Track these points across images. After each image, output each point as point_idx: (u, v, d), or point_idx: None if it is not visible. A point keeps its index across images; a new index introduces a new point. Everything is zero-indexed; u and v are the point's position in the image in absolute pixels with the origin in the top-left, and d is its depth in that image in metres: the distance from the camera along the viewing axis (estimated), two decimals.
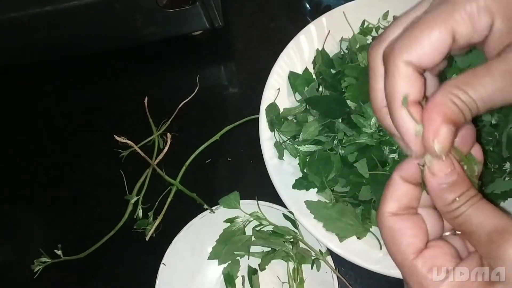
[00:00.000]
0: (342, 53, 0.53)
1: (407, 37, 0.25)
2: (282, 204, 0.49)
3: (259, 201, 0.51)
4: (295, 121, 0.50)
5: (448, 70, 0.46)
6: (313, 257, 0.49)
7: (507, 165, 0.46)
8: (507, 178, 0.45)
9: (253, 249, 0.50)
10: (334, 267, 0.48)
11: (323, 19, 0.54)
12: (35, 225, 0.59)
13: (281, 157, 0.49)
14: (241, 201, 0.51)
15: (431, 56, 0.25)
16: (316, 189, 0.48)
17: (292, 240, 0.49)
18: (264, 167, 0.49)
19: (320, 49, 0.53)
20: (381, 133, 0.45)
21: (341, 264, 0.51)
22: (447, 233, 0.28)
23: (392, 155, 0.45)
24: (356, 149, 0.45)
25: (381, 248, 0.46)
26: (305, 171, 0.48)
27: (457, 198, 0.24)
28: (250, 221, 0.51)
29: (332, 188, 0.47)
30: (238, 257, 0.51)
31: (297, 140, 0.49)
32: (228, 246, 0.50)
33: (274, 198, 0.50)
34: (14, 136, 0.64)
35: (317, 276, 0.49)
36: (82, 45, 0.62)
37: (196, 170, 0.57)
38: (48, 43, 0.60)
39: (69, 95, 0.65)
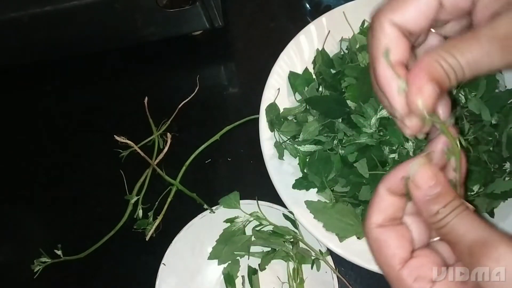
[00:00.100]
0: (342, 53, 0.53)
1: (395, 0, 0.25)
2: (282, 204, 0.49)
3: (259, 201, 0.51)
4: (295, 121, 0.50)
5: None
6: (313, 257, 0.49)
7: (507, 165, 0.46)
8: (507, 178, 0.45)
9: (253, 249, 0.50)
10: (334, 267, 0.48)
11: (323, 19, 0.54)
12: (35, 225, 0.59)
13: (281, 157, 0.49)
14: (241, 201, 0.51)
15: (417, 20, 0.25)
16: (316, 189, 0.48)
17: (292, 240, 0.49)
18: (264, 167, 0.49)
19: (320, 49, 0.53)
20: (381, 133, 0.45)
21: (341, 264, 0.51)
22: (435, 239, 0.28)
23: (392, 155, 0.45)
24: (356, 149, 0.45)
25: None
26: (305, 171, 0.48)
27: (440, 210, 0.24)
28: (250, 221, 0.51)
29: (332, 188, 0.47)
30: (238, 257, 0.51)
31: (297, 140, 0.49)
32: (228, 246, 0.50)
33: (274, 198, 0.50)
34: (14, 136, 0.64)
35: (317, 276, 0.49)
36: (82, 45, 0.62)
37: (196, 170, 0.57)
38: (48, 43, 0.60)
39: (69, 95, 0.65)
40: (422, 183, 0.25)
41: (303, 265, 0.50)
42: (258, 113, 0.51)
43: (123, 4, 0.53)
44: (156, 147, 0.58)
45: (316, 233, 0.47)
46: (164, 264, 0.50)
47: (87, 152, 0.61)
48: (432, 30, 0.29)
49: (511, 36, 0.23)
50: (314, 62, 0.53)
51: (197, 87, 0.60)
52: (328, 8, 0.62)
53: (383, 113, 0.44)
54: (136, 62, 0.65)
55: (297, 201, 0.47)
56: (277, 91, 0.52)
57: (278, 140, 0.50)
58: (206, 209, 0.52)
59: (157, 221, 0.54)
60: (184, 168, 0.56)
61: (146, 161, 0.55)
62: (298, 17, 0.64)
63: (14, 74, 0.66)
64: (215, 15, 0.58)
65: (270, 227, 0.51)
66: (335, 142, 0.47)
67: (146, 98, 0.59)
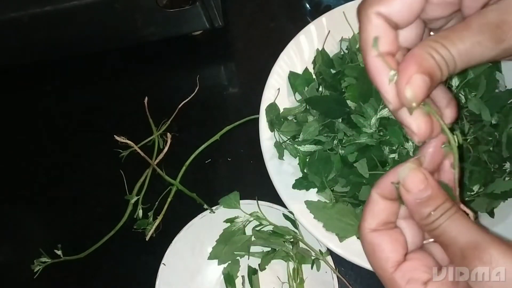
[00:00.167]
0: (342, 53, 0.53)
1: None
2: (282, 204, 0.49)
3: (259, 201, 0.51)
4: (295, 121, 0.50)
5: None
6: (313, 257, 0.49)
7: (507, 165, 0.46)
8: (507, 178, 0.45)
9: (253, 249, 0.50)
10: (334, 267, 0.48)
11: (323, 19, 0.54)
12: (35, 225, 0.59)
13: (281, 157, 0.49)
14: (241, 201, 0.51)
15: (403, 12, 0.25)
16: (316, 189, 0.48)
17: (292, 240, 0.49)
18: (264, 167, 0.49)
19: (320, 49, 0.53)
20: (381, 133, 0.45)
21: (341, 264, 0.51)
22: (430, 240, 0.28)
23: (392, 155, 0.45)
24: (356, 149, 0.45)
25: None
26: (305, 171, 0.48)
27: (432, 212, 0.25)
28: (250, 221, 0.51)
29: (332, 188, 0.47)
30: (238, 257, 0.51)
31: (297, 140, 0.49)
32: (228, 246, 0.50)
33: (274, 198, 0.50)
34: (14, 136, 0.64)
35: (317, 276, 0.49)
36: (82, 45, 0.62)
37: (196, 170, 0.57)
38: (48, 43, 0.60)
39: (69, 95, 0.65)
40: (412, 187, 0.25)
41: (303, 265, 0.50)
42: (258, 113, 0.51)
43: (123, 4, 0.53)
44: (156, 147, 0.58)
45: (316, 233, 0.47)
46: (164, 264, 0.50)
47: (87, 152, 0.61)
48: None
49: (502, 24, 0.23)
50: (314, 62, 0.53)
51: (197, 87, 0.60)
52: (328, 8, 0.62)
53: (383, 113, 0.44)
54: (136, 62, 0.65)
55: (297, 201, 0.47)
56: (277, 91, 0.52)
57: (278, 140, 0.50)
58: (206, 209, 0.52)
59: (157, 221, 0.54)
60: (184, 168, 0.56)
61: (146, 161, 0.55)
62: (298, 17, 0.64)
63: (14, 74, 0.66)
64: (215, 15, 0.58)
65: (270, 227, 0.51)
66: (335, 142, 0.47)
67: (146, 98, 0.59)
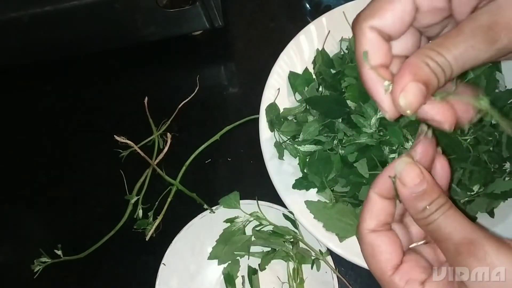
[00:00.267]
0: (342, 53, 0.53)
1: (373, 5, 0.26)
2: (282, 204, 0.49)
3: (259, 201, 0.51)
4: (295, 121, 0.50)
5: None
6: (313, 257, 0.49)
7: (507, 165, 0.46)
8: (507, 178, 0.45)
9: (253, 249, 0.50)
10: (334, 267, 0.48)
11: (323, 19, 0.54)
12: (35, 225, 0.59)
13: (281, 157, 0.49)
14: (241, 201, 0.51)
15: (395, 25, 0.26)
16: (316, 189, 0.48)
17: (292, 240, 0.49)
18: (264, 167, 0.49)
19: (320, 49, 0.53)
20: (381, 133, 0.45)
21: (341, 264, 0.51)
22: (420, 243, 0.29)
23: (392, 155, 0.45)
24: (356, 149, 0.45)
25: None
26: (305, 171, 0.48)
27: (427, 207, 0.25)
28: (250, 221, 0.51)
29: (332, 188, 0.47)
30: (238, 257, 0.51)
31: (297, 140, 0.49)
32: (228, 246, 0.50)
33: (274, 198, 0.50)
34: (14, 136, 0.64)
35: (317, 276, 0.49)
36: (82, 45, 0.62)
37: (196, 170, 0.57)
38: (48, 43, 0.60)
39: (69, 95, 0.65)
40: (409, 181, 0.26)
41: (303, 265, 0.50)
42: (258, 113, 0.51)
43: (123, 4, 0.53)
44: (156, 147, 0.58)
45: (316, 233, 0.47)
46: (164, 264, 0.50)
47: (87, 152, 0.61)
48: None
49: (494, 26, 0.23)
50: (314, 62, 0.53)
51: (197, 87, 0.60)
52: (328, 8, 0.62)
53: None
54: (136, 62, 0.65)
55: (297, 201, 0.47)
56: (277, 91, 0.52)
57: (278, 140, 0.50)
58: (206, 209, 0.52)
59: (157, 221, 0.54)
60: (184, 168, 0.56)
61: (146, 161, 0.55)
62: (298, 17, 0.64)
63: (14, 74, 0.66)
64: (215, 15, 0.58)
65: (270, 227, 0.51)
66: (335, 142, 0.47)
67: (146, 98, 0.59)
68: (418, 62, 0.24)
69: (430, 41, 0.29)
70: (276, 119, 0.50)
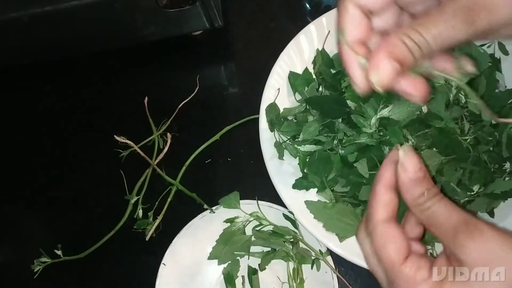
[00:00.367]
0: None
1: None
2: (282, 204, 0.49)
3: (259, 201, 0.51)
4: (295, 121, 0.50)
5: None
6: (313, 257, 0.49)
7: (507, 165, 0.46)
8: (507, 178, 0.45)
9: (253, 249, 0.50)
10: (334, 267, 0.48)
11: (323, 19, 0.54)
12: (35, 225, 0.59)
13: (281, 157, 0.49)
14: (241, 201, 0.51)
15: (378, 1, 0.28)
16: (316, 189, 0.48)
17: (292, 240, 0.49)
18: (264, 167, 0.49)
19: (320, 49, 0.53)
20: (381, 133, 0.45)
21: (341, 264, 0.51)
22: None
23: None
24: (356, 149, 0.45)
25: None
26: (305, 171, 0.48)
27: (425, 193, 0.27)
28: (250, 221, 0.51)
29: (332, 188, 0.47)
30: (238, 257, 0.51)
31: (297, 140, 0.49)
32: (228, 246, 0.50)
33: (274, 198, 0.50)
34: (14, 136, 0.64)
35: (317, 276, 0.49)
36: (82, 45, 0.62)
37: (196, 170, 0.57)
38: (48, 43, 0.60)
39: (69, 95, 0.65)
40: (409, 167, 0.28)
41: (303, 265, 0.50)
42: (258, 113, 0.51)
43: (123, 4, 0.53)
44: (156, 147, 0.58)
45: (316, 233, 0.47)
46: (164, 264, 0.50)
47: (87, 152, 0.61)
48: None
49: (474, 7, 0.24)
50: (314, 62, 0.53)
51: (197, 87, 0.60)
52: (328, 8, 0.62)
53: (383, 113, 0.44)
54: (136, 62, 0.65)
55: (297, 201, 0.47)
56: (277, 91, 0.52)
57: (278, 140, 0.50)
58: (206, 209, 0.52)
59: (157, 221, 0.54)
60: (184, 168, 0.56)
61: (146, 161, 0.55)
62: (298, 17, 0.64)
63: (14, 74, 0.66)
64: (215, 15, 0.58)
65: (270, 227, 0.51)
66: (335, 142, 0.47)
67: (146, 98, 0.59)
68: (395, 39, 0.25)
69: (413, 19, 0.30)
70: (276, 119, 0.50)
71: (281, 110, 0.51)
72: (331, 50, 0.53)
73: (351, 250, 0.46)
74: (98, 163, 0.60)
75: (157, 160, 0.57)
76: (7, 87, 0.66)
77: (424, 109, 0.45)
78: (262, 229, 0.50)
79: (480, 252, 0.25)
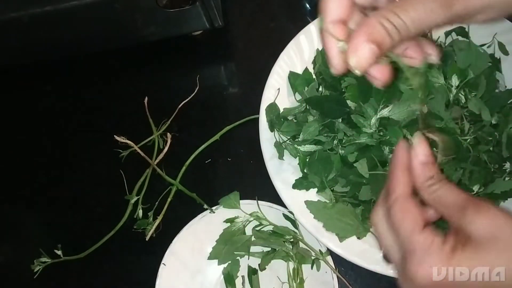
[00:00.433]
0: None
1: None
2: (282, 204, 0.49)
3: (259, 201, 0.51)
4: (295, 121, 0.50)
5: (448, 71, 0.46)
6: (313, 257, 0.49)
7: (507, 165, 0.46)
8: (507, 178, 0.45)
9: (253, 249, 0.50)
10: (334, 267, 0.48)
11: None
12: (35, 225, 0.59)
13: (281, 157, 0.49)
14: (241, 201, 0.51)
15: None
16: (316, 189, 0.48)
17: (292, 240, 0.49)
18: (264, 167, 0.49)
19: (320, 49, 0.53)
20: (381, 133, 0.45)
21: (341, 264, 0.51)
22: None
23: (392, 155, 0.44)
24: (356, 149, 0.45)
25: (381, 248, 0.46)
26: (305, 171, 0.48)
27: (434, 176, 0.29)
28: (250, 221, 0.51)
29: (332, 188, 0.47)
30: (238, 257, 0.51)
31: (297, 140, 0.49)
32: (228, 246, 0.50)
33: (274, 198, 0.50)
34: (14, 136, 0.64)
35: (317, 276, 0.49)
36: (82, 45, 0.62)
37: (196, 170, 0.57)
38: (48, 43, 0.60)
39: (69, 95, 0.65)
40: (420, 152, 0.30)
41: (303, 265, 0.50)
42: (258, 113, 0.51)
43: (123, 4, 0.53)
44: (156, 147, 0.58)
45: (316, 233, 0.47)
46: (164, 264, 0.50)
47: (87, 152, 0.61)
48: None
49: None
50: (314, 62, 0.53)
51: (197, 87, 0.60)
52: None
53: (383, 113, 0.44)
54: (136, 62, 0.65)
55: (297, 201, 0.47)
56: (277, 91, 0.52)
57: (278, 140, 0.50)
58: (206, 209, 0.52)
59: (157, 221, 0.54)
60: (184, 168, 0.56)
61: (146, 161, 0.55)
62: (298, 17, 0.64)
63: (14, 74, 0.66)
64: (215, 15, 0.58)
65: (270, 227, 0.51)
66: (335, 142, 0.47)
67: (146, 98, 0.59)
68: (375, 22, 0.25)
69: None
70: (276, 119, 0.50)
71: (281, 110, 0.51)
72: None
73: (351, 250, 0.46)
74: (98, 163, 0.60)
75: (157, 160, 0.57)
76: (7, 87, 0.66)
77: (424, 109, 0.45)
78: (262, 229, 0.51)
79: (488, 226, 0.26)
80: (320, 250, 0.49)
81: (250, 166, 0.57)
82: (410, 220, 0.29)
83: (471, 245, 0.26)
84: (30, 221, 0.59)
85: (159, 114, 0.59)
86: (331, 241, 0.46)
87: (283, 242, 0.49)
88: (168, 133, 0.58)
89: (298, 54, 0.53)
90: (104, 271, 0.55)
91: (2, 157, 0.63)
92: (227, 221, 0.51)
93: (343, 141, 0.46)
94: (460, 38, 0.51)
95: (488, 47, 0.50)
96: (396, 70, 0.29)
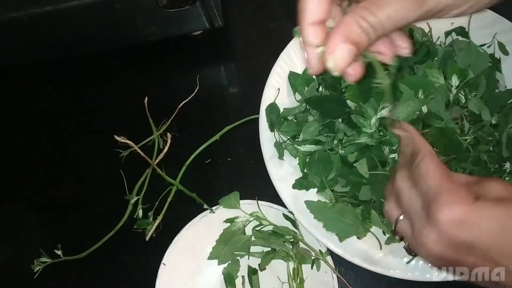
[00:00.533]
0: None
1: None
2: (282, 204, 0.49)
3: (259, 201, 0.51)
4: (295, 121, 0.50)
5: (448, 71, 0.46)
6: (313, 257, 0.49)
7: (507, 165, 0.46)
8: (507, 178, 0.45)
9: (253, 249, 0.50)
10: (334, 267, 0.48)
11: None
12: (35, 225, 0.59)
13: (281, 157, 0.49)
14: (241, 201, 0.51)
15: None
16: (316, 189, 0.48)
17: (292, 240, 0.49)
18: (264, 167, 0.49)
19: None
20: (381, 133, 0.45)
21: (341, 264, 0.51)
22: None
23: (392, 155, 0.45)
24: (356, 149, 0.45)
25: (381, 248, 0.46)
26: (305, 171, 0.48)
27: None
28: (250, 221, 0.51)
29: (332, 188, 0.47)
30: (238, 257, 0.51)
31: (297, 140, 0.49)
32: (228, 246, 0.50)
33: (274, 198, 0.50)
34: (14, 136, 0.64)
35: (317, 276, 0.49)
36: (82, 45, 0.62)
37: (196, 170, 0.57)
38: (48, 43, 0.60)
39: (69, 95, 0.65)
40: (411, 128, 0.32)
41: (303, 265, 0.50)
42: (258, 113, 0.51)
43: (123, 4, 0.53)
44: (156, 147, 0.58)
45: (316, 233, 0.47)
46: (164, 264, 0.50)
47: (87, 152, 0.61)
48: None
49: None
50: None
51: (197, 87, 0.60)
52: None
53: (383, 113, 0.44)
54: (136, 62, 0.65)
55: (297, 201, 0.47)
56: (277, 91, 0.52)
57: (278, 140, 0.50)
58: (206, 209, 0.52)
59: (157, 221, 0.54)
60: (184, 168, 0.56)
61: (146, 161, 0.55)
62: (298, 17, 0.64)
63: (14, 74, 0.66)
64: (215, 15, 0.58)
65: (270, 227, 0.51)
66: (335, 142, 0.47)
67: (146, 98, 0.59)
68: (351, 22, 0.26)
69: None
70: (276, 119, 0.50)
71: (281, 110, 0.51)
72: None
73: (351, 250, 0.46)
74: (98, 163, 0.60)
75: (157, 160, 0.57)
76: (7, 87, 0.66)
77: (424, 109, 0.45)
78: (262, 229, 0.50)
79: (503, 188, 0.28)
80: (320, 250, 0.49)
81: (250, 166, 0.57)
82: (440, 169, 0.29)
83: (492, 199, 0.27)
84: (30, 221, 0.59)
85: (159, 114, 0.59)
86: (331, 241, 0.46)
87: (283, 242, 0.49)
88: (168, 133, 0.58)
89: (298, 54, 0.53)
90: (104, 271, 0.55)
91: (2, 157, 0.63)
92: (227, 221, 0.51)
93: (343, 141, 0.46)
94: (460, 38, 0.51)
95: (488, 47, 0.50)
96: (369, 65, 0.29)
